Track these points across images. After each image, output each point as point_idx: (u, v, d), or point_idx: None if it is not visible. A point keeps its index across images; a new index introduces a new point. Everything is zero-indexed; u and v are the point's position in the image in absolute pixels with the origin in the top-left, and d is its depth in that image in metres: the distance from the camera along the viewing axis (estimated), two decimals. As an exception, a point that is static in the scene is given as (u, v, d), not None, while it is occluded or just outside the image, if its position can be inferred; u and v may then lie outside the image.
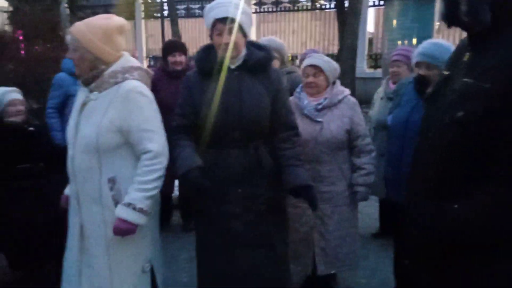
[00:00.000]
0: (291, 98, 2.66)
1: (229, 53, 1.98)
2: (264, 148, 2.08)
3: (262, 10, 13.64)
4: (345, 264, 2.60)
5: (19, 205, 2.55)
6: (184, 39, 12.91)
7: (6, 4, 15.65)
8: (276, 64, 3.10)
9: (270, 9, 13.67)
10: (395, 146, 2.65)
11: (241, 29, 1.98)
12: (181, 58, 3.48)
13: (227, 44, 1.95)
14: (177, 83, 3.38)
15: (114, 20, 1.94)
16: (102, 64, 1.89)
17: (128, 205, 1.83)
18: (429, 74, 2.43)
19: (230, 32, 1.94)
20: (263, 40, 3.33)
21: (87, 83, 1.92)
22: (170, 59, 3.48)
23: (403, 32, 7.03)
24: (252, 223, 2.04)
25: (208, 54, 2.07)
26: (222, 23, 1.95)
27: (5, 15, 14.81)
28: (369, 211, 3.93)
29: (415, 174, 1.55)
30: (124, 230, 1.84)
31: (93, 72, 1.89)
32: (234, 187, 2.03)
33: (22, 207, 2.54)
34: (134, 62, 1.97)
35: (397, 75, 3.32)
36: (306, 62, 2.56)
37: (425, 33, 6.67)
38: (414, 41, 6.79)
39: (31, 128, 2.86)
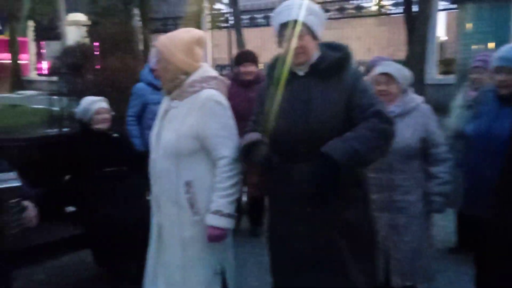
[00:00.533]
0: None
1: (292, 59, 1.87)
2: None
3: (326, 17, 13.55)
4: (422, 277, 2.52)
5: (105, 206, 2.75)
6: (248, 48, 13.19)
7: (85, 18, 16.92)
8: None
9: (334, 16, 13.57)
10: (475, 158, 2.54)
11: (310, 31, 1.85)
12: (252, 68, 3.60)
13: (293, 50, 1.85)
14: (247, 92, 3.52)
15: (194, 32, 2.05)
16: (183, 75, 2.00)
17: (216, 212, 1.92)
18: (510, 80, 2.31)
19: (294, 36, 1.84)
20: None
21: (169, 92, 2.05)
22: (242, 69, 3.61)
23: (478, 36, 6.71)
24: (322, 248, 1.85)
25: (277, 61, 1.99)
26: (286, 27, 1.85)
27: (84, 29, 16.02)
28: (444, 224, 3.76)
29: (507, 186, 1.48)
30: (217, 236, 1.94)
31: (174, 82, 2.01)
32: (302, 206, 1.85)
33: (108, 207, 2.74)
34: (212, 72, 2.07)
35: (478, 82, 3.18)
36: (378, 70, 2.54)
37: (502, 37, 6.32)
38: (490, 45, 6.44)
39: (115, 135, 3.09)
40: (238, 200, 3.79)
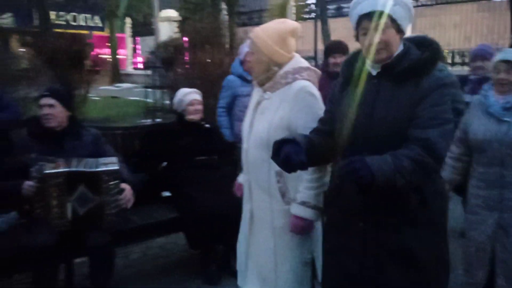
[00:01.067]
0: (477, 96, 2.46)
1: (372, 55, 1.62)
2: None
3: (419, 3, 12.77)
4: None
5: (198, 192, 2.89)
6: (334, 38, 12.92)
7: (176, 14, 17.78)
8: None
9: (428, 2, 12.74)
10: None
11: (394, 24, 1.60)
12: (341, 59, 3.50)
13: (375, 45, 1.60)
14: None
15: (288, 23, 2.03)
16: (276, 66, 2.00)
17: (302, 203, 1.92)
18: None
19: (377, 29, 1.58)
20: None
21: (262, 84, 2.07)
22: (331, 60, 3.53)
23: None
24: (369, 267, 1.65)
25: (354, 58, 1.76)
26: (367, 19, 1.60)
27: (175, 25, 16.86)
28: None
29: None
30: (301, 226, 1.94)
31: (267, 74, 2.02)
32: (355, 220, 1.67)
33: (200, 193, 2.87)
34: (304, 63, 2.05)
35: None
36: (498, 57, 2.35)
37: None
38: None
39: (207, 125, 3.21)
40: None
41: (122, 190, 2.51)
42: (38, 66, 7.99)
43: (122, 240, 2.75)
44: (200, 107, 3.22)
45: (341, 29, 14.39)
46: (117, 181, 2.45)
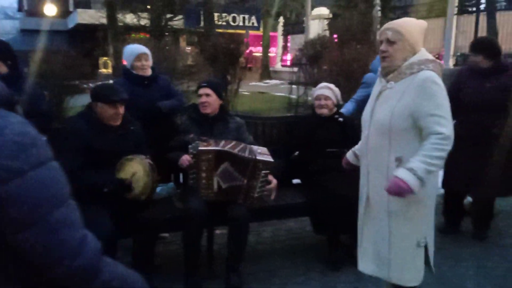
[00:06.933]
0: None
1: None
2: None
3: None
4: None
5: (326, 181, 3.05)
6: (502, 34, 11.57)
7: (328, 11, 17.97)
8: None
9: None
10: None
11: None
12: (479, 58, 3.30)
13: None
14: (482, 81, 3.26)
15: (421, 21, 2.21)
16: (412, 55, 2.09)
17: (410, 170, 1.95)
18: None
19: None
20: None
21: (386, 74, 2.15)
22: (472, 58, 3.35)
23: None
24: None
25: None
26: None
27: (325, 22, 17.08)
28: None
29: None
30: (399, 187, 1.96)
31: (404, 61, 2.09)
32: None
33: (328, 182, 3.03)
34: (429, 56, 2.14)
35: None
36: None
37: None
38: None
39: (340, 119, 3.33)
40: (461, 196, 3.57)
41: (269, 182, 2.86)
42: (200, 63, 9.06)
43: (257, 217, 3.06)
44: (325, 102, 3.32)
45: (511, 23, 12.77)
46: (268, 171, 2.80)
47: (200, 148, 2.71)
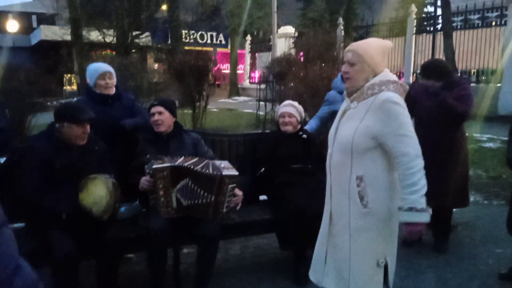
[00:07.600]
0: None
1: None
2: None
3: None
4: None
5: (290, 196, 3.09)
6: (459, 52, 12.13)
7: (293, 30, 18.36)
8: None
9: None
10: None
11: None
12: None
13: None
14: (429, 98, 3.47)
15: (384, 41, 2.23)
16: (373, 76, 2.13)
17: (410, 209, 1.99)
18: None
19: None
20: None
21: (350, 94, 2.21)
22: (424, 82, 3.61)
23: None
24: None
25: None
26: None
27: (291, 40, 17.42)
28: None
29: None
30: (415, 231, 2.03)
31: (365, 83, 2.14)
32: None
33: (292, 198, 3.07)
34: (391, 77, 2.16)
35: None
36: None
37: None
38: None
39: (304, 136, 3.41)
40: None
41: (235, 195, 2.86)
42: (167, 80, 9.03)
43: (225, 235, 3.03)
44: (289, 119, 3.40)
45: (468, 42, 13.40)
46: (234, 184, 2.79)
47: (154, 166, 2.67)
